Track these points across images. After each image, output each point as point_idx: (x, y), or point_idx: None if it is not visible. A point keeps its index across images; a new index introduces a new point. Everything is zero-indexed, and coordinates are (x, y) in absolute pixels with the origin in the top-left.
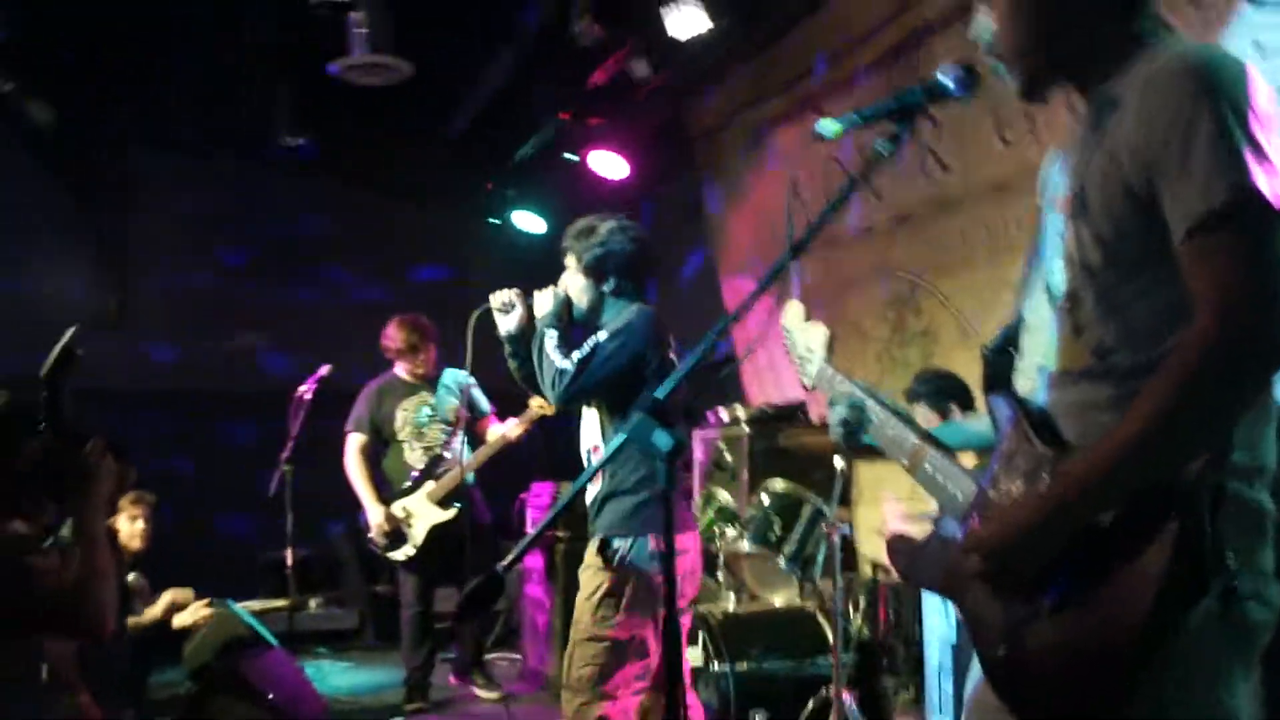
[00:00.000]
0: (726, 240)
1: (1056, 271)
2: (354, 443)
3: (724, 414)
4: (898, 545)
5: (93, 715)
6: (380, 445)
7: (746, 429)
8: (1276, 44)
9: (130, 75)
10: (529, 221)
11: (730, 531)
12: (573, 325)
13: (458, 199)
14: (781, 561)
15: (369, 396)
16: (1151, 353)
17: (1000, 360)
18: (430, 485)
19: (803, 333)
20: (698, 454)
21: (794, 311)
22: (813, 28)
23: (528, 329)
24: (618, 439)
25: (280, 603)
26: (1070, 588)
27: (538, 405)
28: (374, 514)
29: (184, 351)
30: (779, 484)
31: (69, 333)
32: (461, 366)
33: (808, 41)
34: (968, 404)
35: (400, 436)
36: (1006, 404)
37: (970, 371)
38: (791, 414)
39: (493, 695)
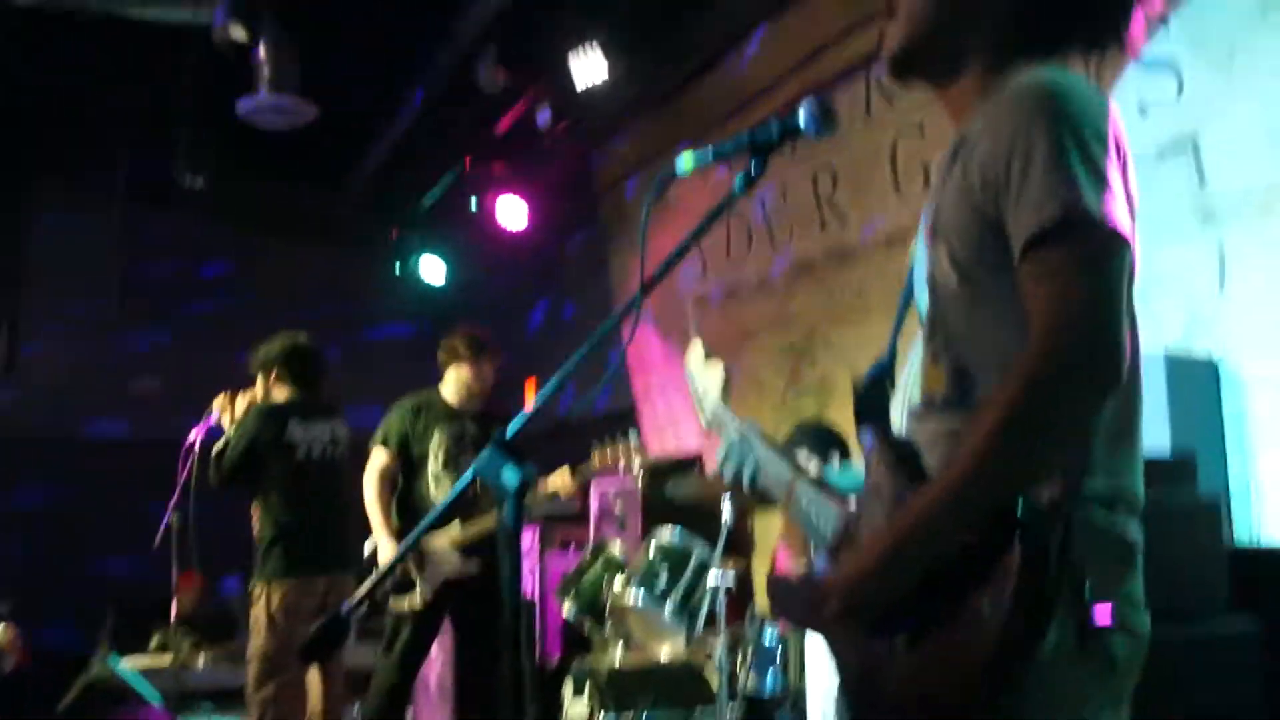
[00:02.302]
0: (629, 290)
1: (923, 299)
2: (376, 459)
3: (619, 464)
4: (774, 585)
5: None
6: (406, 468)
7: (639, 479)
8: (1158, 101)
9: (25, 111)
10: (433, 269)
11: (618, 581)
12: None
13: (363, 246)
14: (667, 613)
15: (401, 407)
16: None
17: (870, 393)
18: (456, 526)
19: (702, 373)
20: (592, 504)
21: (695, 352)
22: (716, 81)
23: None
24: (466, 476)
25: (165, 658)
26: (922, 623)
27: (599, 460)
28: (384, 548)
29: (77, 399)
30: (666, 534)
31: None
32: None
33: (711, 94)
34: (847, 453)
35: (430, 462)
36: (871, 436)
37: None
38: (686, 465)
39: None
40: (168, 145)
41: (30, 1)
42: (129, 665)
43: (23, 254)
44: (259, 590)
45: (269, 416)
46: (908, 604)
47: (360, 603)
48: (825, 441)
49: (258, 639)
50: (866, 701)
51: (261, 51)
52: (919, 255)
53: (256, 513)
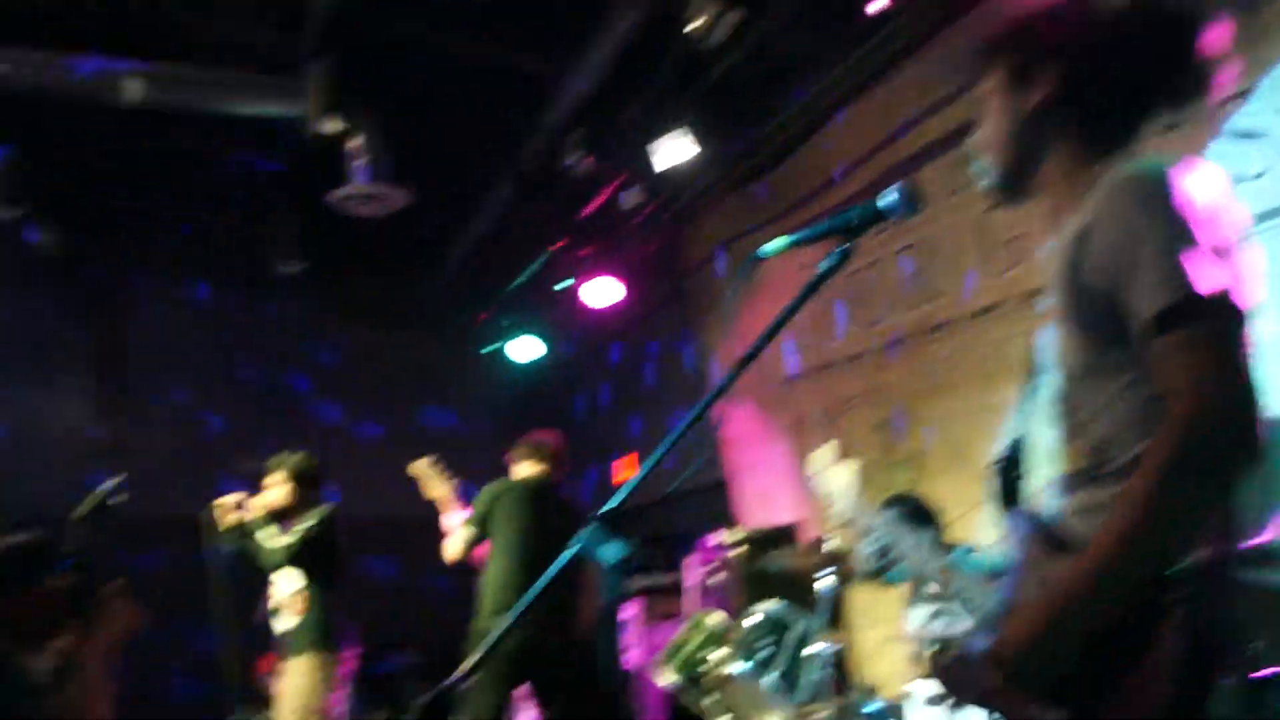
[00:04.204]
0: (716, 365)
1: (1052, 379)
2: None
3: (717, 537)
4: (942, 661)
5: None
6: None
7: (738, 551)
8: (1248, 172)
9: (130, 202)
10: (523, 350)
11: (719, 653)
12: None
13: (453, 329)
14: (769, 684)
15: None
16: (1141, 447)
17: (1008, 475)
18: None
19: (834, 472)
20: (689, 578)
21: (825, 454)
22: (802, 158)
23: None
24: (567, 554)
25: None
26: (1090, 687)
27: None
28: None
29: (180, 480)
30: (767, 605)
31: (113, 482)
32: None
33: (798, 172)
34: (938, 526)
35: None
36: (1021, 516)
37: (958, 495)
38: (783, 536)
39: None
40: (264, 234)
41: (136, 100)
42: None
43: (125, 341)
44: (299, 663)
45: (326, 522)
46: (1077, 666)
47: (464, 677)
48: (917, 515)
49: (302, 703)
50: None
51: (354, 141)
52: (1047, 334)
53: (301, 598)
